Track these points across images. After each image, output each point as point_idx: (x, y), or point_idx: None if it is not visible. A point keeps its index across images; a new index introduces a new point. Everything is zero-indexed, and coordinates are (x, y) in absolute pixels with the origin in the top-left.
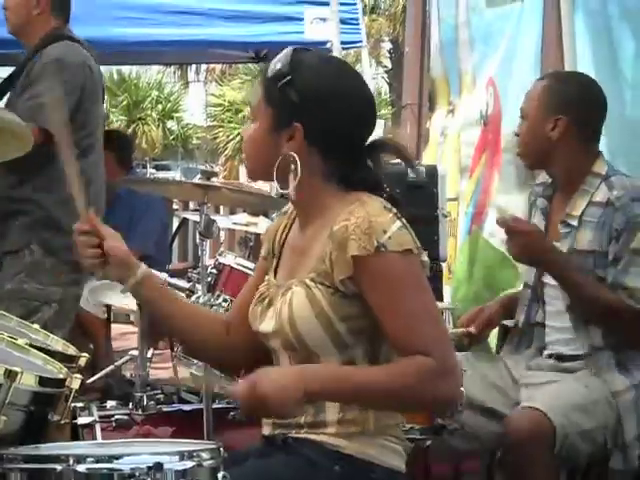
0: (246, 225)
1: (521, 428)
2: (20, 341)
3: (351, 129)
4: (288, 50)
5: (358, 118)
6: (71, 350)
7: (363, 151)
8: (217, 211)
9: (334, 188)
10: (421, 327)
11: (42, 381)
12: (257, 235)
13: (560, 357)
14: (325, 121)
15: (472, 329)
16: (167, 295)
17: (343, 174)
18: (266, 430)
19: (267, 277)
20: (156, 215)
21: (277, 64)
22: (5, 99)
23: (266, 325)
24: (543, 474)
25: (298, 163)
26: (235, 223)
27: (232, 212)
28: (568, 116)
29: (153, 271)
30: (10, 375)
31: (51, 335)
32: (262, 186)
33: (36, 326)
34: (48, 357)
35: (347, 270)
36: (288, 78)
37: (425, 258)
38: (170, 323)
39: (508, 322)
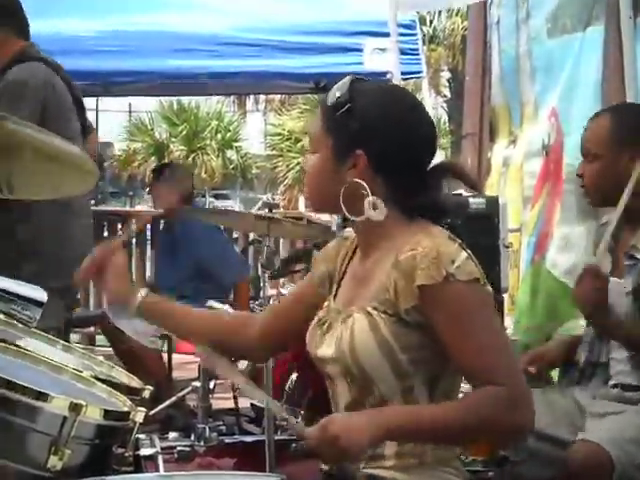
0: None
1: (577, 461)
2: (85, 373)
3: (413, 154)
4: (347, 79)
5: (419, 143)
6: (135, 382)
7: (426, 176)
8: (277, 244)
9: (398, 215)
10: (492, 356)
11: (107, 414)
12: None
13: (624, 387)
14: (387, 147)
15: (532, 369)
16: (171, 311)
17: (407, 200)
18: (325, 465)
19: (326, 303)
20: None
21: (336, 93)
22: None
23: (325, 350)
24: None
25: (367, 188)
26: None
27: (293, 246)
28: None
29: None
30: (75, 408)
31: (115, 367)
32: (322, 216)
33: (100, 358)
34: (112, 390)
35: (413, 299)
36: (348, 106)
37: (490, 288)
38: (181, 333)
39: None
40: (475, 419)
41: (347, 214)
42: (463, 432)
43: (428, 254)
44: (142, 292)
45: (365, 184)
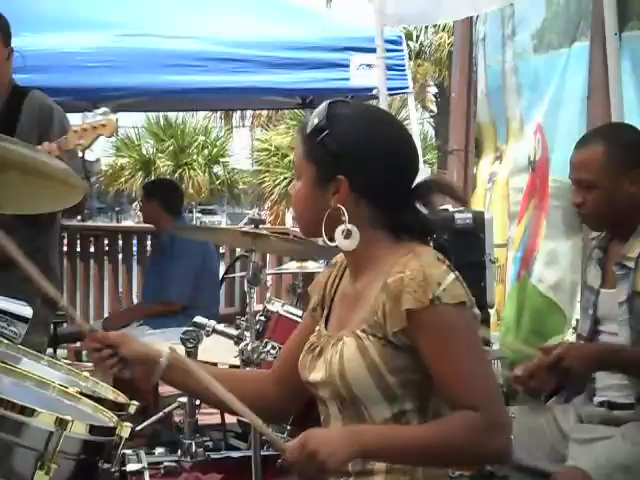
0: (299, 267)
1: None
2: (71, 389)
3: (395, 175)
4: (325, 104)
5: (400, 164)
6: (121, 398)
7: (410, 195)
8: (264, 259)
9: (384, 237)
10: (472, 382)
11: (92, 429)
12: (305, 281)
13: (611, 405)
14: (367, 170)
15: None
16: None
17: (393, 220)
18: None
19: (317, 328)
20: (191, 260)
21: (314, 119)
22: None
23: (315, 375)
24: None
25: (346, 214)
26: (280, 268)
27: (280, 262)
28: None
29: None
30: (61, 423)
31: (100, 383)
32: None
33: (86, 374)
34: (98, 405)
35: (401, 323)
36: (326, 132)
37: (477, 311)
38: (206, 397)
39: None
40: (448, 445)
41: (327, 240)
42: (435, 456)
43: (415, 277)
44: (163, 352)
45: (345, 210)
